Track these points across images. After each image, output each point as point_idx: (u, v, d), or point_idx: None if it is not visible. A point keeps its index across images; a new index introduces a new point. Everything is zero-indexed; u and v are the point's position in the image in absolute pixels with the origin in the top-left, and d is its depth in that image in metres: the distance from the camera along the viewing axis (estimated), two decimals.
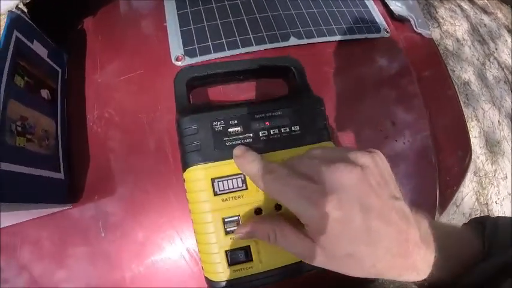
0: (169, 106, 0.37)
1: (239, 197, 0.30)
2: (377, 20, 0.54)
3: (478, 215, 1.68)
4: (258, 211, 0.30)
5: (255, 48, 0.44)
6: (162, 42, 0.44)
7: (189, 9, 0.47)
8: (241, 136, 0.31)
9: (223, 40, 0.43)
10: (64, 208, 0.37)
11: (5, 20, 0.34)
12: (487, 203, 1.78)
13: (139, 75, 0.43)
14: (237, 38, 0.44)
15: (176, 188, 0.38)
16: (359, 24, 0.52)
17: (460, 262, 0.28)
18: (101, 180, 0.39)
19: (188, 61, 0.42)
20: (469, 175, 1.80)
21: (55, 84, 0.41)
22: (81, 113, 0.42)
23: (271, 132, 0.32)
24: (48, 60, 0.40)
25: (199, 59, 0.42)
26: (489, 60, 2.57)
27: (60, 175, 0.37)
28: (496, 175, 1.91)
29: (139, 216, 0.38)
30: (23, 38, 0.36)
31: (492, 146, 2.02)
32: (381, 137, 0.47)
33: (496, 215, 1.75)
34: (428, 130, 0.51)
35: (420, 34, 0.63)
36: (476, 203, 1.74)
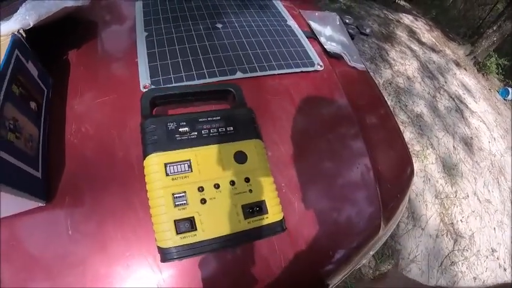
0: (136, 124, 0.45)
1: (185, 177, 0.39)
2: (312, 57, 0.68)
3: (444, 235, 1.76)
4: (200, 189, 0.39)
5: (207, 80, 0.55)
6: (133, 74, 0.55)
7: (156, 49, 0.59)
8: (188, 134, 0.41)
9: (183, 74, 0.55)
10: (38, 204, 0.41)
11: (8, 39, 0.43)
12: (452, 223, 1.86)
13: (113, 99, 0.52)
14: (194, 72, 0.56)
15: (139, 193, 0.43)
16: (295, 60, 0.65)
17: None
18: (75, 184, 0.44)
19: None
20: (431, 198, 1.89)
21: (41, 100, 0.47)
22: (61, 127, 0.49)
23: (211, 131, 0.42)
24: (38, 79, 0.47)
25: (162, 87, 0.53)
26: (439, 92, 2.81)
27: (38, 174, 0.41)
28: (458, 195, 2.02)
29: (105, 220, 0.43)
30: (21, 57, 0.43)
31: (450, 169, 2.15)
32: (315, 154, 0.55)
33: (462, 232, 1.83)
34: (364, 147, 0.59)
35: (354, 67, 0.76)
36: (441, 224, 1.82)
